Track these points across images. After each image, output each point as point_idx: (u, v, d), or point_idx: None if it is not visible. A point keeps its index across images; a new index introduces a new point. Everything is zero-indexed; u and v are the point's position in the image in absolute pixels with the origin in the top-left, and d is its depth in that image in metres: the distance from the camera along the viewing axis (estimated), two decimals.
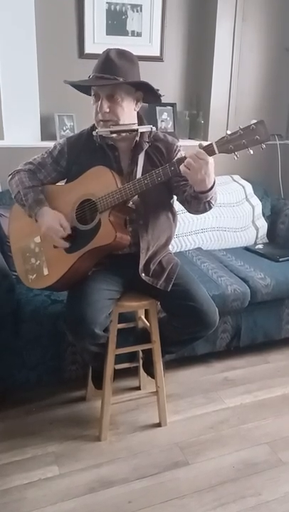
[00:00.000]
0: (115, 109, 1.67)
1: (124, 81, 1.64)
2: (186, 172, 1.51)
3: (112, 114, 1.67)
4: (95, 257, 1.75)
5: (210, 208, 1.69)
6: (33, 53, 2.50)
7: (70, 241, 1.74)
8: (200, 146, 1.51)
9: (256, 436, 1.97)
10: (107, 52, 1.66)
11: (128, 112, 1.70)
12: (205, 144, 1.51)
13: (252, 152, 1.48)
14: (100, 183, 1.69)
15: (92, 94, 1.70)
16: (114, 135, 1.69)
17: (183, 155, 1.55)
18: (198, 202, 1.65)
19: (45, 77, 2.56)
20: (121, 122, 1.69)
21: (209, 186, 1.57)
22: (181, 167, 1.51)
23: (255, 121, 1.46)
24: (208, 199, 1.63)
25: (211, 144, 1.50)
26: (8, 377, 2.06)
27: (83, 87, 1.76)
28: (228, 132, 1.49)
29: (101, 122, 1.70)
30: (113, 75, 1.63)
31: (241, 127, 1.47)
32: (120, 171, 1.75)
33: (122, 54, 1.67)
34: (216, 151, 1.50)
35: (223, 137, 1.49)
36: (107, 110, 1.66)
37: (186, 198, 1.70)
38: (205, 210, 1.70)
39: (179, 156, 1.70)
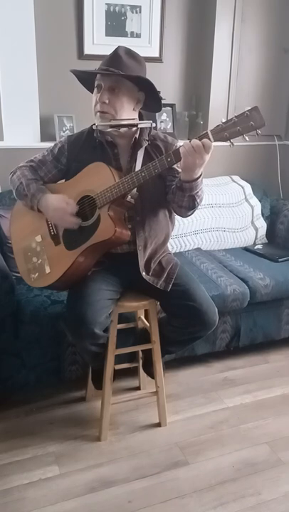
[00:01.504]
0: (114, 103, 1.68)
1: (126, 74, 1.65)
2: (189, 153, 1.51)
3: (110, 107, 1.68)
4: (96, 253, 1.76)
5: (194, 205, 1.69)
6: (33, 54, 2.51)
7: (71, 238, 1.75)
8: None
9: (256, 436, 1.98)
10: (117, 49, 1.68)
11: (127, 110, 1.71)
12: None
13: (247, 139, 1.49)
14: (98, 178, 1.70)
15: (95, 85, 1.71)
16: (112, 129, 1.70)
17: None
18: (183, 194, 1.65)
19: (44, 78, 2.56)
20: (117, 117, 1.69)
21: (195, 177, 1.59)
22: (186, 144, 1.52)
23: (249, 107, 1.47)
24: (193, 193, 1.64)
25: (206, 132, 1.51)
26: (8, 377, 2.06)
27: (87, 83, 1.77)
28: (223, 120, 1.50)
29: (98, 113, 1.70)
30: (118, 69, 1.64)
31: (236, 114, 1.48)
32: (119, 168, 1.76)
33: (131, 53, 1.70)
34: (212, 139, 1.51)
35: (218, 125, 1.51)
36: (106, 101, 1.67)
37: (172, 190, 1.71)
38: (188, 208, 1.70)
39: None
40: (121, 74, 1.65)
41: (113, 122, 1.68)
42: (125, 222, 1.75)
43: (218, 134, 1.50)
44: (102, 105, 1.68)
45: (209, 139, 1.50)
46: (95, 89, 1.72)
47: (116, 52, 1.68)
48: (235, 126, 1.47)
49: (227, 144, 1.52)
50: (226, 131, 1.49)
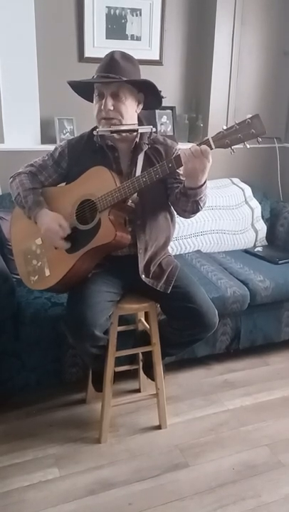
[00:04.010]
0: (119, 108, 1.69)
1: (130, 79, 1.67)
2: (188, 158, 1.52)
3: (116, 112, 1.69)
4: (96, 256, 1.76)
5: (197, 209, 1.71)
6: (33, 57, 2.52)
7: (71, 241, 1.75)
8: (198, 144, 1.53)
9: (256, 438, 1.97)
10: (112, 54, 1.69)
11: (131, 112, 1.73)
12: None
13: (248, 146, 1.50)
14: (98, 182, 1.70)
15: (96, 94, 1.72)
16: (114, 134, 1.71)
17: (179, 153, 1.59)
18: (187, 199, 1.67)
19: (45, 80, 2.57)
20: (124, 121, 1.71)
21: (200, 184, 1.60)
22: (186, 150, 1.53)
23: (250, 115, 1.48)
24: (197, 198, 1.65)
25: (208, 138, 1.53)
26: (8, 379, 2.06)
27: (83, 92, 1.79)
28: (224, 127, 1.51)
29: (103, 120, 1.71)
30: (118, 74, 1.66)
31: (237, 122, 1.49)
32: (120, 172, 1.77)
33: (126, 57, 1.71)
34: (213, 146, 1.52)
35: (219, 132, 1.52)
36: (111, 108, 1.68)
37: (176, 196, 1.72)
38: (192, 212, 1.73)
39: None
40: (126, 80, 1.66)
41: (113, 128, 1.69)
42: (126, 225, 1.76)
43: (219, 140, 1.52)
44: (107, 112, 1.69)
45: (210, 145, 1.52)
46: (97, 97, 1.72)
47: (112, 57, 1.68)
48: (237, 133, 1.49)
49: (228, 150, 1.52)
50: (227, 138, 1.50)
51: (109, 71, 1.67)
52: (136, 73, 1.73)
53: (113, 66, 1.67)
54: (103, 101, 1.69)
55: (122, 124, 1.71)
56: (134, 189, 1.64)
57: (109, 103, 1.68)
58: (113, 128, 1.70)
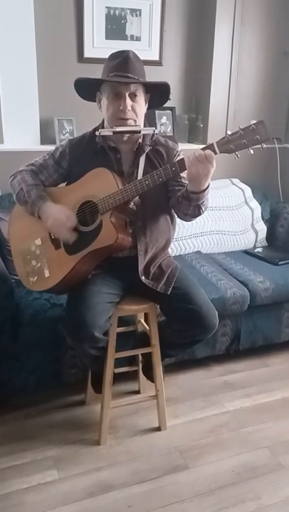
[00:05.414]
0: (136, 108, 1.71)
1: (151, 81, 1.71)
2: (192, 162, 1.52)
3: (134, 113, 1.71)
4: (97, 258, 1.75)
5: (199, 213, 1.72)
6: (33, 57, 2.51)
7: (72, 243, 1.74)
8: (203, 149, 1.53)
9: (256, 439, 1.97)
10: (127, 54, 1.69)
11: (142, 113, 1.75)
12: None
13: (252, 152, 1.51)
14: (100, 184, 1.70)
15: (112, 93, 1.70)
16: (125, 135, 1.71)
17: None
18: (189, 203, 1.67)
19: (44, 81, 2.56)
20: (138, 121, 1.72)
21: (203, 188, 1.60)
22: (190, 155, 1.53)
23: (255, 121, 1.48)
24: (199, 203, 1.65)
25: (212, 144, 1.52)
26: (7, 381, 2.06)
27: (87, 92, 1.78)
28: (229, 132, 1.52)
29: (120, 120, 1.71)
30: (136, 75, 1.68)
31: (241, 127, 1.49)
32: (121, 173, 1.76)
33: (137, 58, 1.73)
34: (217, 151, 1.52)
35: (224, 137, 1.52)
36: (130, 108, 1.69)
37: (178, 199, 1.72)
38: (193, 215, 1.73)
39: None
40: (148, 82, 1.70)
41: (116, 129, 1.69)
42: (126, 227, 1.75)
43: (223, 145, 1.52)
44: (126, 113, 1.69)
45: (214, 150, 1.52)
46: (112, 97, 1.70)
47: (128, 57, 1.68)
48: (241, 139, 1.49)
49: (232, 155, 1.52)
50: (231, 144, 1.51)
51: (127, 71, 1.67)
52: (144, 74, 1.74)
53: (130, 66, 1.67)
54: (121, 101, 1.68)
55: (123, 125, 1.70)
56: (137, 192, 1.64)
57: (129, 104, 1.68)
58: (116, 129, 1.69)
